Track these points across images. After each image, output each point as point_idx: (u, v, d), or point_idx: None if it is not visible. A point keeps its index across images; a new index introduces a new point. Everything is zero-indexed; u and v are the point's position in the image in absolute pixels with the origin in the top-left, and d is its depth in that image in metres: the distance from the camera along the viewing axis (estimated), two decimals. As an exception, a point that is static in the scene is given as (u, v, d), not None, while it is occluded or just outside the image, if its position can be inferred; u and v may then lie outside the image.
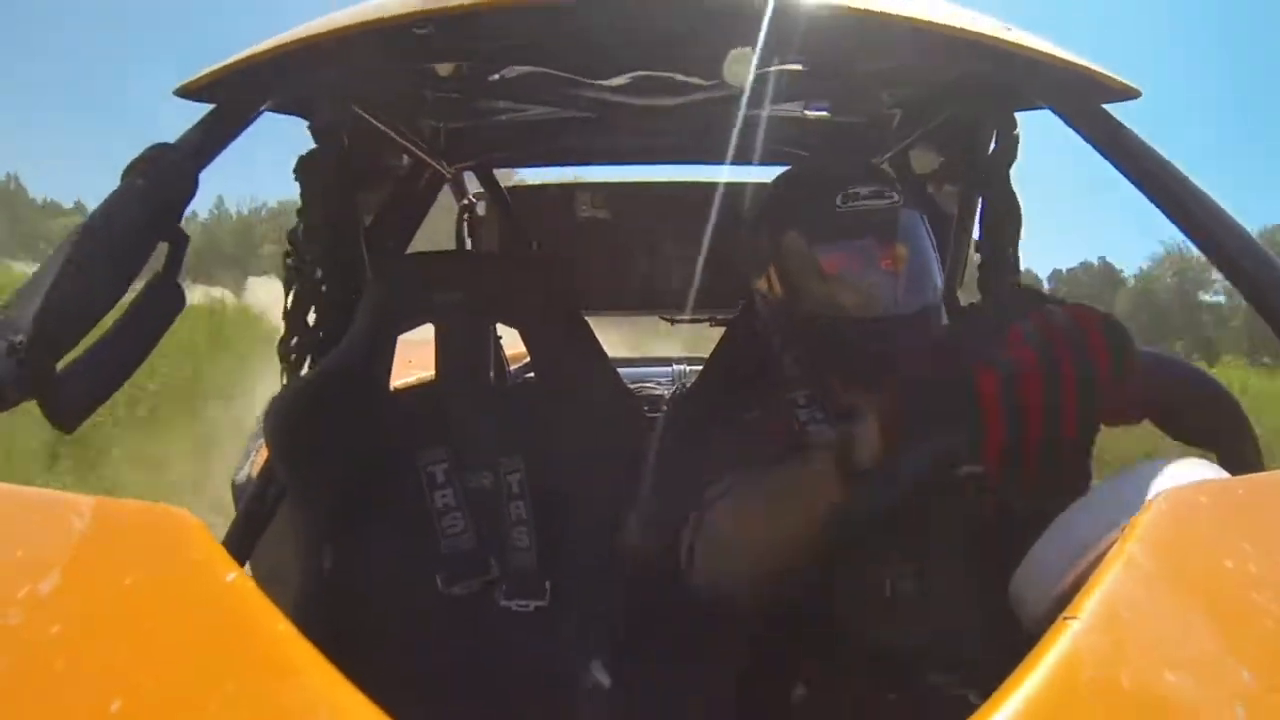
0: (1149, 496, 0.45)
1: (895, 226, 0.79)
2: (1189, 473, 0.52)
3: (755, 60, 0.87)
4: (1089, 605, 0.37)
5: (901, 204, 0.80)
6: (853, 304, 0.78)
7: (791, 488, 0.68)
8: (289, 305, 1.14)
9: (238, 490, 1.49)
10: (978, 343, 0.60)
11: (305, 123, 1.10)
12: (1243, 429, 0.66)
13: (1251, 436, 0.67)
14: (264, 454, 1.25)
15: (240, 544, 1.07)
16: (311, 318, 1.15)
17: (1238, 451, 0.65)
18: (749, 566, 0.72)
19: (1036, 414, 0.56)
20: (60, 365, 0.63)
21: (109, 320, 0.69)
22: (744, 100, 1.17)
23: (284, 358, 1.13)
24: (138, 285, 0.73)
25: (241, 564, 1.07)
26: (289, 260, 1.14)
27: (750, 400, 0.87)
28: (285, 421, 1.01)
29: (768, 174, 1.74)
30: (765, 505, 0.71)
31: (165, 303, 0.75)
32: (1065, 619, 0.37)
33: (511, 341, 1.34)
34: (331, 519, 1.00)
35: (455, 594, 0.99)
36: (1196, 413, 0.73)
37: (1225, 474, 0.54)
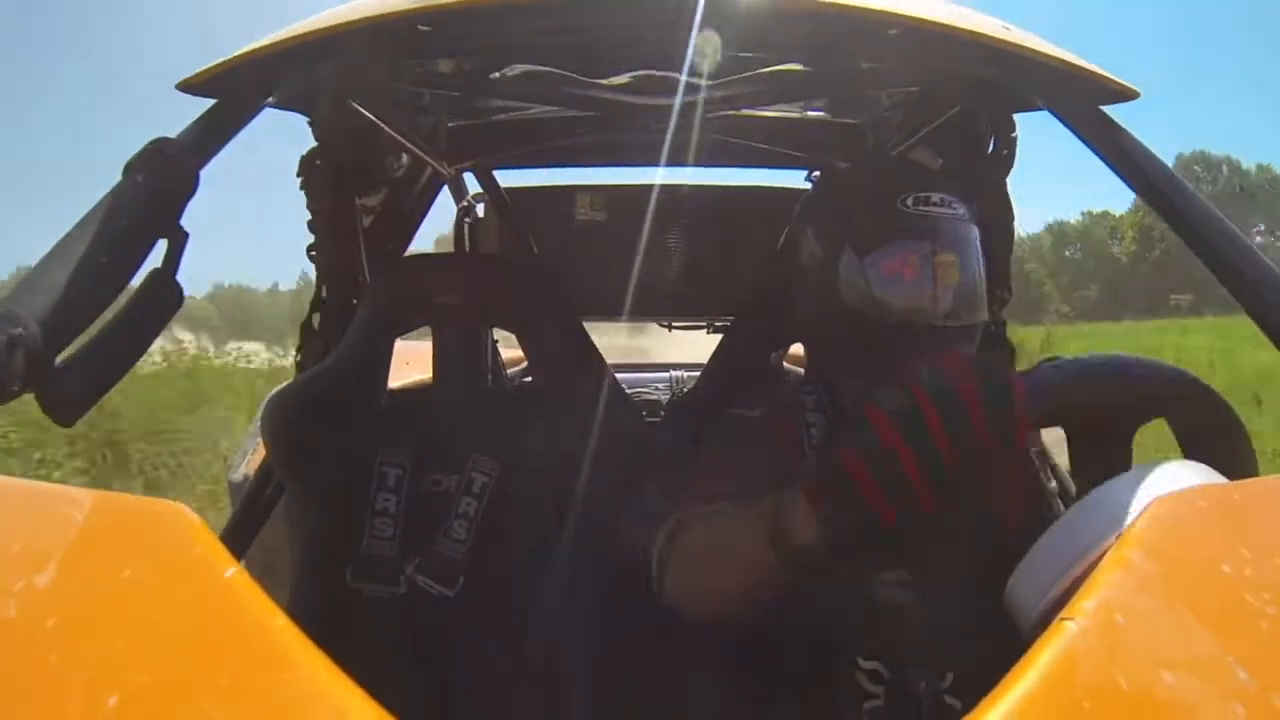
0: (1146, 500, 0.45)
1: (957, 239, 0.77)
2: (1186, 477, 0.52)
3: (699, 44, 0.85)
4: (1086, 607, 0.37)
5: (967, 218, 0.78)
6: (898, 308, 0.76)
7: (744, 532, 0.67)
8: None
9: (234, 487, 1.49)
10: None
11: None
12: (1234, 431, 0.65)
13: (1244, 438, 0.67)
14: (260, 452, 1.25)
15: (237, 540, 1.07)
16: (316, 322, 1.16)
17: (1229, 453, 0.65)
18: (717, 588, 0.71)
19: (918, 483, 0.56)
20: (59, 359, 0.63)
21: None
22: (743, 100, 1.17)
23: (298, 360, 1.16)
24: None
25: (238, 559, 1.08)
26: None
27: (753, 401, 0.87)
28: (282, 420, 1.01)
29: (768, 177, 1.76)
30: (722, 542, 0.71)
31: (163, 298, 0.75)
32: (1062, 620, 0.37)
33: (509, 344, 1.33)
34: (327, 516, 1.00)
35: (364, 593, 0.98)
36: (1182, 415, 0.72)
37: (1221, 478, 0.54)
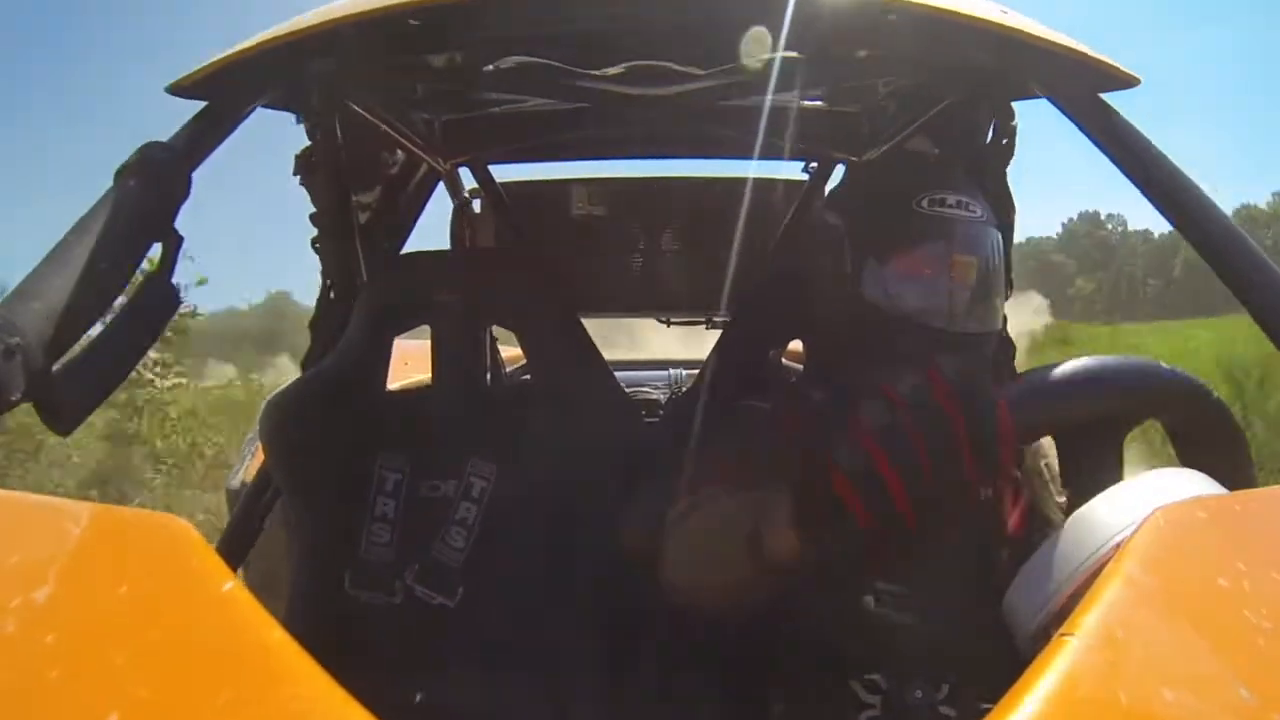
0: (1145, 512, 0.45)
1: (975, 241, 0.77)
2: (1185, 487, 0.52)
3: (748, 42, 0.84)
4: (1086, 622, 0.37)
5: (984, 220, 0.78)
6: (914, 308, 0.76)
7: (731, 532, 0.69)
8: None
9: (232, 494, 1.49)
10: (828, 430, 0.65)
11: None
12: (1231, 433, 0.65)
13: (1242, 441, 0.66)
14: (259, 457, 1.25)
15: (235, 547, 1.07)
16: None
17: (1226, 456, 0.64)
18: (709, 583, 0.72)
19: (900, 498, 0.58)
20: (55, 366, 0.62)
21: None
22: (737, 89, 1.16)
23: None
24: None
25: (236, 566, 1.08)
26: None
27: (760, 395, 0.87)
28: (280, 423, 1.01)
29: (766, 168, 1.75)
30: (716, 536, 0.72)
31: (160, 302, 0.75)
32: (1062, 635, 0.37)
33: (507, 342, 1.33)
34: (325, 520, 1.00)
35: (361, 600, 0.97)
36: (1177, 417, 0.70)
37: (1219, 486, 0.53)
